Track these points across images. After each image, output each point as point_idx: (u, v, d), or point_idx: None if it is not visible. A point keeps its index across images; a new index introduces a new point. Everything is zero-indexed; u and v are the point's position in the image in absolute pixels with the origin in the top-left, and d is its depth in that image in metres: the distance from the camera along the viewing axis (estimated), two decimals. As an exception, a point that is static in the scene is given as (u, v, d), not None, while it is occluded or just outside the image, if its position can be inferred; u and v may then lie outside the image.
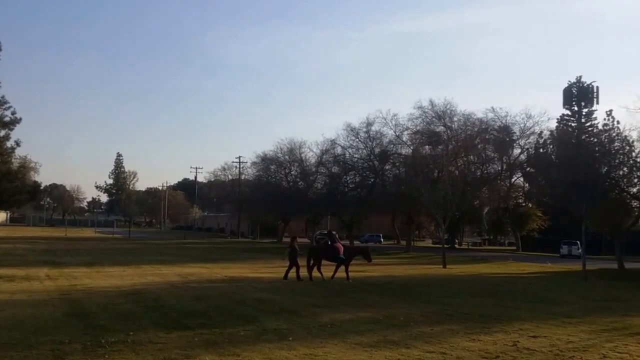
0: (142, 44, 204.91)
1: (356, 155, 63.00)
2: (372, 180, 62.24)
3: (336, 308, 14.83)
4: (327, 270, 23.08)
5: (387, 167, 62.29)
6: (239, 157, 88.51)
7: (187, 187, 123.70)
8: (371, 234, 78.91)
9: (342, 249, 23.11)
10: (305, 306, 14.89)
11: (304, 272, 22.34)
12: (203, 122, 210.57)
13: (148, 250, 45.52)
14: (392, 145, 60.99)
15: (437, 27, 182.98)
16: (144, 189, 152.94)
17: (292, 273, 22.43)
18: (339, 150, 63.85)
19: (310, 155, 68.39)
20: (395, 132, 60.07)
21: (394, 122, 59.50)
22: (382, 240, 79.28)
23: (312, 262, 22.70)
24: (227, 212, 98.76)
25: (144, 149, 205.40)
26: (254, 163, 77.99)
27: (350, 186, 64.64)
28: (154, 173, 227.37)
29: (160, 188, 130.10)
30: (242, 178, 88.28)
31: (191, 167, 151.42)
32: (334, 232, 26.29)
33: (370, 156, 61.44)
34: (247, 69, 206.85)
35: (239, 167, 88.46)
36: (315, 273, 22.59)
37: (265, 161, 72.69)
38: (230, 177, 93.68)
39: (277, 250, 52.23)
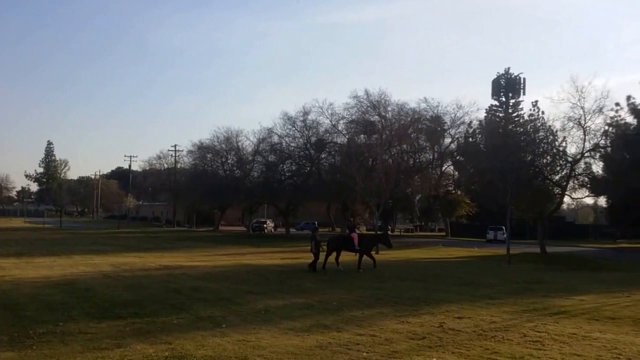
0: (69, 29, 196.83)
1: (293, 144, 63.43)
2: (308, 168, 62.71)
3: (271, 295, 15.00)
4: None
5: (323, 156, 62.93)
6: (175, 145, 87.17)
7: (121, 175, 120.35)
8: (307, 222, 79.36)
9: (357, 239, 23.11)
10: (240, 293, 14.97)
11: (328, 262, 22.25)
12: (137, 110, 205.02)
13: (80, 240, 44.28)
14: (328, 134, 61.70)
15: (373, 17, 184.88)
16: (76, 178, 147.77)
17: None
18: (275, 139, 64.12)
19: (247, 143, 68.26)
20: (331, 121, 60.80)
21: (330, 112, 60.21)
22: (317, 227, 79.88)
23: (330, 252, 22.73)
24: (162, 201, 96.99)
25: (76, 137, 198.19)
26: (190, 151, 76.99)
27: (287, 174, 64.97)
28: (86, 162, 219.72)
29: (93, 177, 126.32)
30: (178, 167, 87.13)
31: (125, 156, 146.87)
32: (351, 220, 26.20)
33: (307, 145, 61.87)
34: (179, 55, 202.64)
35: (175, 156, 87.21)
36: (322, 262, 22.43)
37: (202, 150, 71.87)
38: (166, 165, 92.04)
39: (213, 239, 52.00)
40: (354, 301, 13.99)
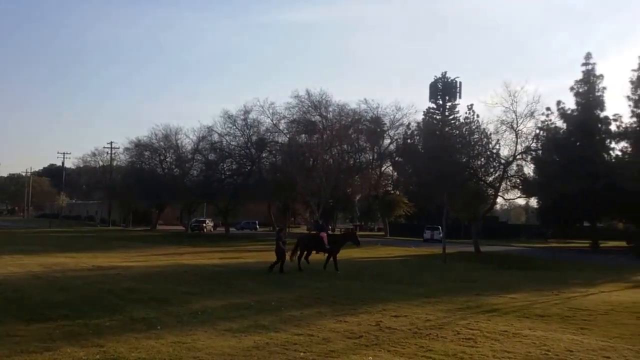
0: (5, 25, 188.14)
1: (233, 143, 62.74)
2: (249, 167, 62.26)
3: (209, 295, 14.79)
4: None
5: (264, 155, 62.59)
6: (111, 142, 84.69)
7: (54, 173, 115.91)
8: (247, 221, 78.94)
9: (326, 239, 22.90)
10: (176, 294, 14.68)
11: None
12: (71, 106, 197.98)
13: (9, 240, 42.33)
14: (269, 134, 61.40)
15: (314, 18, 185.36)
16: (5, 175, 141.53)
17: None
18: (216, 137, 63.28)
19: (187, 141, 67.03)
20: (272, 121, 60.52)
21: (271, 111, 59.88)
22: (257, 227, 79.60)
23: (299, 251, 22.49)
24: (97, 200, 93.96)
25: (6, 133, 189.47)
26: (126, 149, 74.84)
27: (227, 173, 64.30)
28: (17, 159, 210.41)
29: (23, 174, 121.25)
30: (114, 164, 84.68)
31: (58, 153, 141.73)
32: (321, 222, 25.91)
33: (248, 144, 61.40)
34: (119, 52, 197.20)
35: (111, 153, 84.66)
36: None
37: (139, 147, 70.09)
38: (101, 163, 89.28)
39: (150, 238, 50.82)
40: (293, 301, 13.97)
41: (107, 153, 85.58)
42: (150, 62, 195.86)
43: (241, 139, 61.82)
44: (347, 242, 24.18)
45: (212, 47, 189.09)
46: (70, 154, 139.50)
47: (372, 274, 21.77)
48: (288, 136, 59.84)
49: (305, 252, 22.88)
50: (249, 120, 60.59)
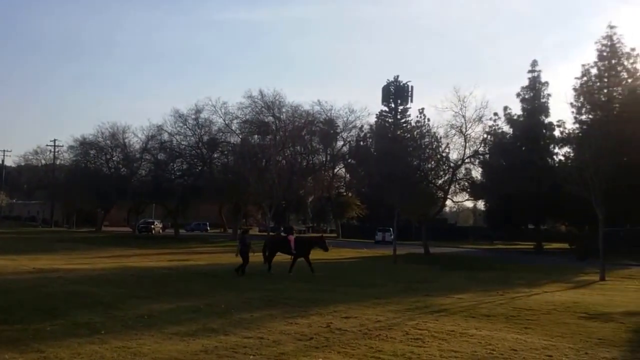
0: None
1: (184, 143, 61.86)
2: (200, 168, 61.51)
3: (156, 298, 14.51)
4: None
5: (215, 155, 61.96)
6: (54, 140, 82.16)
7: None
8: (197, 222, 77.91)
9: (293, 242, 22.64)
10: (122, 298, 14.35)
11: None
12: (12, 103, 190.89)
13: (-58, 242, 40.53)
14: (221, 134, 60.88)
15: (269, 18, 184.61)
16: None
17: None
18: (165, 136, 62.21)
19: (135, 140, 65.50)
20: (224, 121, 60.04)
21: (223, 111, 59.42)
22: (208, 228, 78.71)
23: (267, 253, 22.20)
24: (39, 200, 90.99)
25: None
26: (71, 147, 72.62)
27: (177, 174, 63.31)
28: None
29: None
30: (58, 163, 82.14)
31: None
32: (292, 226, 25.46)
33: (199, 144, 60.67)
34: (69, 48, 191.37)
35: (54, 151, 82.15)
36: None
37: (85, 145, 68.03)
38: (44, 161, 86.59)
39: (95, 240, 49.53)
40: (243, 303, 13.85)
41: (50, 151, 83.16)
42: (98, 58, 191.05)
43: (192, 138, 61.06)
44: (314, 247, 24.14)
45: (163, 44, 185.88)
46: (10, 151, 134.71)
47: (324, 275, 21.77)
48: (240, 136, 59.49)
49: (272, 254, 22.72)
50: (200, 120, 60.00)
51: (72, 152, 72.66)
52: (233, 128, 60.41)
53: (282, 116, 59.17)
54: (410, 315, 12.77)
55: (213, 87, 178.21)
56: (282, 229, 26.12)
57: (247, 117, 59.08)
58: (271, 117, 58.91)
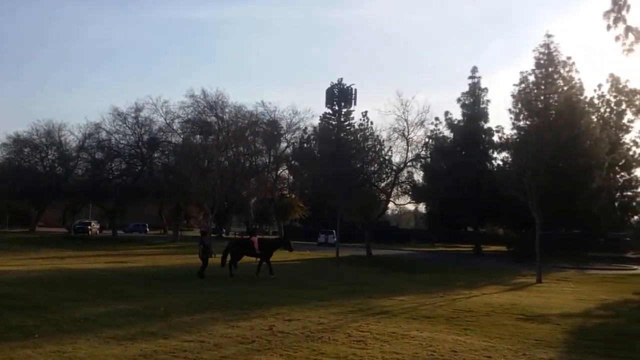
0: None
1: (123, 141, 60.19)
2: (139, 168, 60.05)
3: (92, 301, 14.05)
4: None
5: (156, 155, 60.68)
6: (-16, 137, 78.47)
7: None
8: (136, 223, 76.19)
9: (256, 243, 22.24)
10: (57, 300, 13.84)
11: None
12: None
13: None
14: (162, 133, 59.63)
15: (210, 17, 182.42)
16: None
17: None
18: (104, 135, 60.32)
19: (72, 139, 63.11)
20: (165, 120, 58.80)
21: (164, 109, 58.17)
22: (147, 229, 77.08)
23: (229, 256, 21.72)
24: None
25: None
26: (4, 144, 69.51)
27: (116, 173, 61.56)
28: None
29: None
30: (-12, 161, 78.48)
31: None
32: (254, 227, 24.79)
33: (139, 143, 59.24)
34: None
35: (-16, 149, 78.41)
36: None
37: (18, 143, 65.17)
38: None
39: (29, 241, 47.58)
40: (184, 306, 13.58)
41: (-21, 149, 79.23)
42: (33, 53, 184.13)
43: (132, 137, 59.51)
44: (278, 248, 23.93)
45: (98, 40, 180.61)
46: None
47: (267, 278, 21.59)
48: (182, 136, 58.42)
49: (234, 257, 22.39)
50: (140, 119, 58.52)
51: (5, 150, 69.53)
52: (174, 127, 59.29)
53: (225, 116, 58.52)
54: (352, 317, 12.81)
55: (154, 85, 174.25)
56: (246, 229, 26.03)
57: (189, 116, 58.12)
58: (214, 117, 58.18)
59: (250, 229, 25.03)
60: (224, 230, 76.19)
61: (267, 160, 64.34)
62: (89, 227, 66.02)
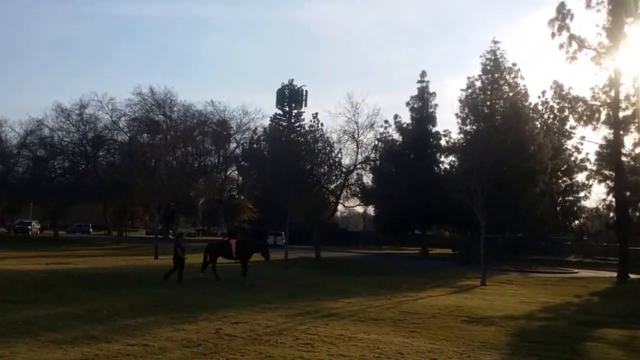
0: None
1: (66, 139, 58.32)
2: (83, 166, 58.39)
3: (32, 304, 13.59)
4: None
5: (101, 154, 59.16)
6: None
7: None
8: (80, 224, 74.07)
9: (234, 246, 21.78)
10: (-7, 303, 13.28)
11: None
12: None
13: None
14: (107, 131, 58.12)
15: (160, 13, 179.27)
16: None
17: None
18: (46, 132, 58.32)
19: (12, 135, 60.70)
20: (111, 118, 57.35)
21: (110, 107, 56.74)
22: (91, 230, 75.09)
23: (208, 259, 21.36)
24: None
25: None
26: (-61, 141, 66.45)
27: (58, 172, 59.62)
28: None
29: None
30: None
31: None
32: (234, 229, 23.97)
33: (83, 141, 57.56)
34: None
35: None
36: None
37: (-45, 139, 62.50)
38: None
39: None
40: (127, 309, 13.26)
41: None
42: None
43: (76, 135, 57.73)
44: (256, 253, 23.56)
45: (42, 35, 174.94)
46: None
47: (214, 280, 21.31)
48: (128, 135, 57.16)
49: (212, 260, 22.09)
50: (85, 116, 56.83)
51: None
52: (121, 126, 57.89)
53: (173, 115, 57.50)
54: (300, 319, 12.76)
55: (100, 82, 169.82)
56: (227, 231, 25.72)
57: (136, 114, 56.84)
58: (162, 116, 57.07)
59: (231, 231, 24.71)
60: (171, 232, 74.93)
61: (216, 161, 63.67)
62: (30, 227, 63.92)
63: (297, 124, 70.13)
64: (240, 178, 67.58)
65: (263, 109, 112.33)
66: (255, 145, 62.34)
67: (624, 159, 35.23)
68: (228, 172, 66.41)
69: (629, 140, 35.77)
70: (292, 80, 70.78)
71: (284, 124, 71.67)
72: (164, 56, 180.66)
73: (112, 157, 58.79)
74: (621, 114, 33.66)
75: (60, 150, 58.21)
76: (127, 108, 56.69)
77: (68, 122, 57.32)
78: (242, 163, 63.66)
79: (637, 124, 33.55)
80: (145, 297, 15.44)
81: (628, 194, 34.18)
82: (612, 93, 33.52)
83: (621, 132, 34.17)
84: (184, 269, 20.25)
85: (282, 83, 71.33)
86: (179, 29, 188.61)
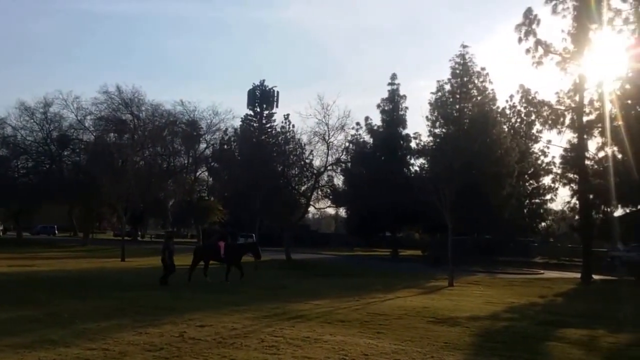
0: None
1: (30, 138, 57.13)
2: (47, 166, 57.25)
3: (-9, 307, 13.22)
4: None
5: (66, 153, 58.14)
6: None
7: None
8: (44, 225, 72.55)
9: (223, 248, 21.53)
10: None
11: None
12: None
13: None
14: (73, 130, 57.18)
15: (127, 11, 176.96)
16: None
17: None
18: (9, 130, 56.98)
19: (-28, 134, 59.39)
20: (77, 117, 56.42)
21: (75, 105, 55.79)
22: (56, 232, 73.65)
23: (196, 262, 21.13)
24: None
25: None
26: None
27: (22, 172, 58.31)
28: None
29: None
30: None
31: None
32: (219, 230, 23.47)
33: (47, 140, 56.45)
34: None
35: None
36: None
37: None
38: None
39: None
40: (90, 312, 13.02)
41: None
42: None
43: (40, 134, 56.58)
44: (246, 253, 23.28)
45: (13, 33, 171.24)
46: None
47: (180, 282, 21.03)
48: (95, 134, 56.28)
49: (198, 262, 21.86)
50: (49, 114, 55.80)
51: None
52: (86, 125, 56.99)
53: (141, 114, 56.84)
54: (267, 322, 12.65)
55: (63, 80, 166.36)
56: (216, 233, 25.33)
57: (103, 113, 56.05)
58: (129, 115, 56.39)
59: (221, 233, 24.40)
60: (140, 234, 73.99)
61: (186, 162, 62.98)
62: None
63: (268, 125, 70.03)
64: (211, 179, 67.07)
65: (234, 110, 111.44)
66: (225, 146, 61.89)
67: (587, 162, 35.86)
68: (198, 173, 65.79)
69: (592, 145, 36.43)
70: (264, 81, 70.75)
71: (255, 124, 71.45)
72: (132, 55, 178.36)
73: (77, 157, 57.82)
74: (585, 119, 34.29)
75: (24, 150, 56.95)
76: (93, 107, 55.92)
77: (32, 120, 56.24)
78: (213, 164, 63.15)
79: (600, 129, 34.18)
80: (109, 301, 15.17)
81: (591, 196, 34.74)
82: (577, 98, 34.10)
83: (585, 136, 34.78)
84: (172, 272, 20.03)
85: (253, 84, 71.32)
86: (148, 27, 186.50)
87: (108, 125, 55.54)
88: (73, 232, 73.31)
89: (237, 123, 67.72)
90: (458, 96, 50.06)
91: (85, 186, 48.11)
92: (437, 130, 49.14)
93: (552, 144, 50.35)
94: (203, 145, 63.23)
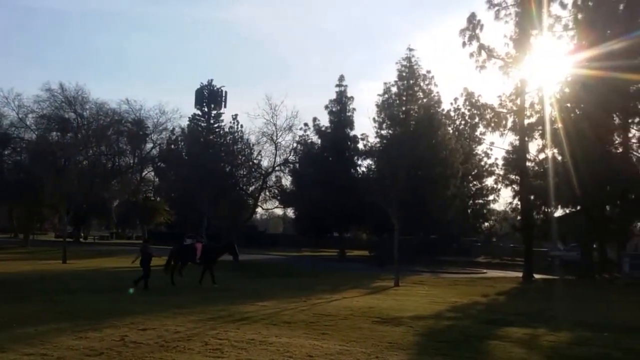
0: None
1: (-32, 136, 54.93)
2: (-14, 165, 55.11)
3: None
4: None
5: (6, 153, 56.12)
6: None
7: None
8: (-18, 227, 69.85)
9: (200, 250, 21.04)
10: None
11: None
12: None
13: None
14: (14, 129, 55.27)
15: (74, 7, 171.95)
16: None
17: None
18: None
19: None
20: (18, 115, 54.56)
21: (17, 103, 53.99)
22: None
23: (172, 263, 20.71)
24: None
25: None
26: None
27: (-41, 172, 56.01)
28: None
29: None
30: None
31: None
32: (196, 233, 22.58)
33: (-14, 138, 54.37)
34: None
35: None
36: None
37: None
38: None
39: None
40: (28, 316, 12.65)
41: None
42: None
43: (-22, 132, 54.57)
44: (223, 255, 22.74)
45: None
46: None
47: (124, 285, 20.61)
48: (37, 133, 54.52)
49: (180, 264, 21.47)
50: (-11, 112, 53.84)
51: None
52: (28, 123, 55.22)
53: (85, 113, 55.47)
54: (212, 324, 12.55)
55: (3, 77, 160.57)
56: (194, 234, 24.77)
57: (45, 111, 54.43)
58: (72, 114, 54.89)
59: (196, 235, 24.00)
60: (82, 235, 72.02)
61: (131, 161, 61.76)
62: None
63: (216, 125, 69.09)
64: (157, 179, 65.85)
65: (181, 109, 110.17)
66: (172, 146, 60.82)
67: (528, 164, 37.02)
68: (144, 173, 64.61)
69: (533, 147, 37.67)
70: (212, 80, 69.69)
71: (202, 124, 70.39)
72: (79, 52, 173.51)
73: (18, 156, 55.97)
74: (526, 121, 35.41)
75: (-39, 149, 54.75)
76: (35, 105, 54.30)
77: (-30, 118, 54.06)
78: (159, 164, 62.02)
79: (541, 131, 35.34)
80: (50, 304, 14.79)
81: (532, 197, 35.84)
82: (518, 101, 35.19)
83: (526, 139, 35.91)
84: (148, 277, 19.58)
85: (201, 83, 70.15)
86: (95, 24, 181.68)
87: (50, 123, 53.98)
88: (13, 233, 70.81)
89: (185, 122, 66.74)
90: (404, 98, 50.75)
91: (27, 186, 46.67)
92: (383, 132, 49.66)
93: (495, 146, 51.76)
94: (149, 145, 62.28)
